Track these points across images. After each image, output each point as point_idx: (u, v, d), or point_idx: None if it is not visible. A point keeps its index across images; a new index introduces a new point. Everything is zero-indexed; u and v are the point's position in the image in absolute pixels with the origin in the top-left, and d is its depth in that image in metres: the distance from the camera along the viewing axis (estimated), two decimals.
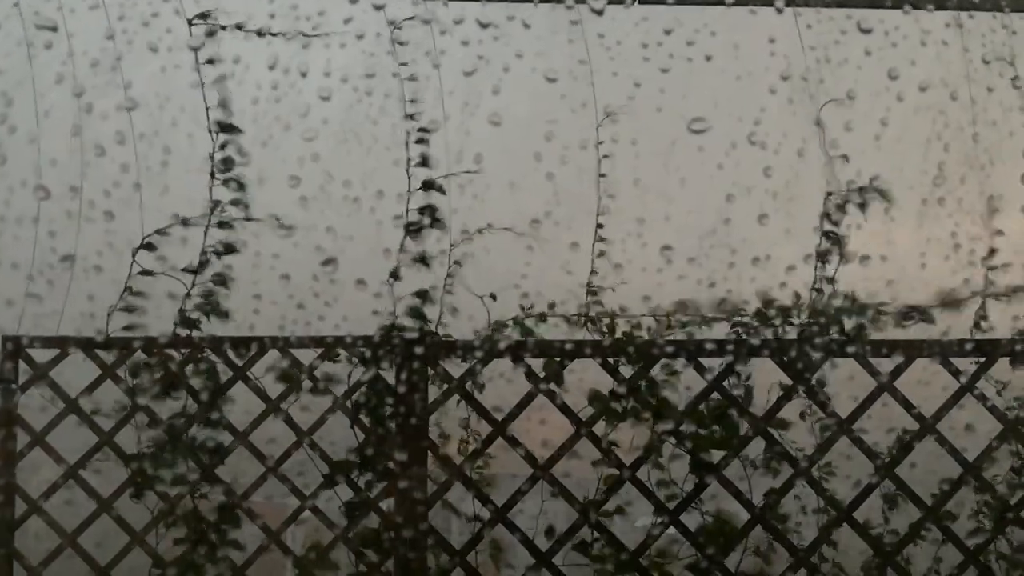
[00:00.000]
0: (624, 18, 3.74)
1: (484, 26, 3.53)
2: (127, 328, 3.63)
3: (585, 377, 3.73)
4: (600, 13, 3.66)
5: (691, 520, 3.75)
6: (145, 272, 3.64)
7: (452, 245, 3.88)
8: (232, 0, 3.46)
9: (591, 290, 4.09)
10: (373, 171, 3.67)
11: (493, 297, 3.89)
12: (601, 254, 4.08)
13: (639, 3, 3.71)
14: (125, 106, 3.50)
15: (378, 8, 3.57)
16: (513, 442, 3.68)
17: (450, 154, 3.77)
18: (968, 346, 3.76)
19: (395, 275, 3.66)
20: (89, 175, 3.56)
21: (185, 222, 3.65)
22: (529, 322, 3.97)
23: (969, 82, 4.02)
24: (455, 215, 3.78)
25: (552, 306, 4.00)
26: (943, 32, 3.91)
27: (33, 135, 3.59)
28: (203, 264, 3.64)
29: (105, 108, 3.51)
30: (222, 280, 3.64)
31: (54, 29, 3.55)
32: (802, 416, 3.92)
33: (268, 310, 3.53)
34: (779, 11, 3.77)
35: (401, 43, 3.74)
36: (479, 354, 3.65)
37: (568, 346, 3.68)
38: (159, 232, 3.64)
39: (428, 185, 3.68)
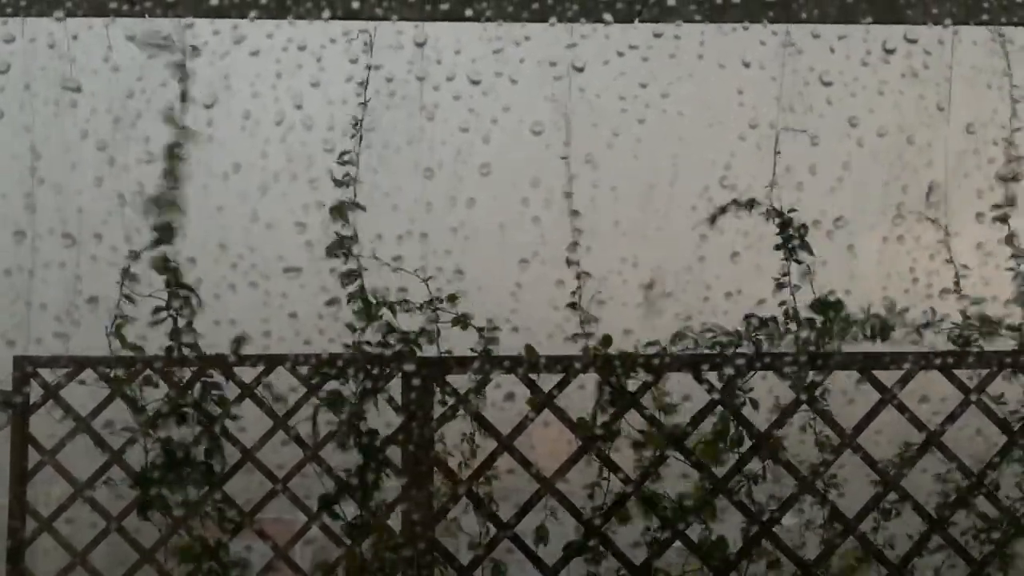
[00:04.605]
0: (603, 73, 4.02)
1: (475, 82, 3.84)
2: (131, 347, 3.77)
3: (583, 395, 3.94)
4: (581, 70, 3.96)
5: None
6: (127, 297, 3.78)
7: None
8: (240, 62, 3.73)
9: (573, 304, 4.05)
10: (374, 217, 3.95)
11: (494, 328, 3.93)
12: (578, 272, 4.07)
13: (639, 22, 3.91)
14: (145, 159, 3.78)
15: (376, 68, 3.88)
16: (519, 457, 3.80)
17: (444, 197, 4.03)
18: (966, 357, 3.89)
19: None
20: (111, 222, 3.81)
21: None
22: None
23: (925, 127, 4.27)
24: (449, 256, 3.99)
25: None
26: (899, 82, 4.16)
27: (60, 186, 3.86)
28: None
29: (127, 161, 3.78)
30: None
31: (78, 90, 3.81)
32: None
33: (277, 347, 3.75)
34: (762, 43, 4.06)
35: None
36: (476, 368, 3.80)
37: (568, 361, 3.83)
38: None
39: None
